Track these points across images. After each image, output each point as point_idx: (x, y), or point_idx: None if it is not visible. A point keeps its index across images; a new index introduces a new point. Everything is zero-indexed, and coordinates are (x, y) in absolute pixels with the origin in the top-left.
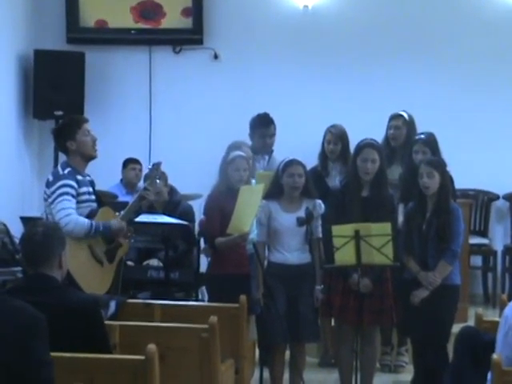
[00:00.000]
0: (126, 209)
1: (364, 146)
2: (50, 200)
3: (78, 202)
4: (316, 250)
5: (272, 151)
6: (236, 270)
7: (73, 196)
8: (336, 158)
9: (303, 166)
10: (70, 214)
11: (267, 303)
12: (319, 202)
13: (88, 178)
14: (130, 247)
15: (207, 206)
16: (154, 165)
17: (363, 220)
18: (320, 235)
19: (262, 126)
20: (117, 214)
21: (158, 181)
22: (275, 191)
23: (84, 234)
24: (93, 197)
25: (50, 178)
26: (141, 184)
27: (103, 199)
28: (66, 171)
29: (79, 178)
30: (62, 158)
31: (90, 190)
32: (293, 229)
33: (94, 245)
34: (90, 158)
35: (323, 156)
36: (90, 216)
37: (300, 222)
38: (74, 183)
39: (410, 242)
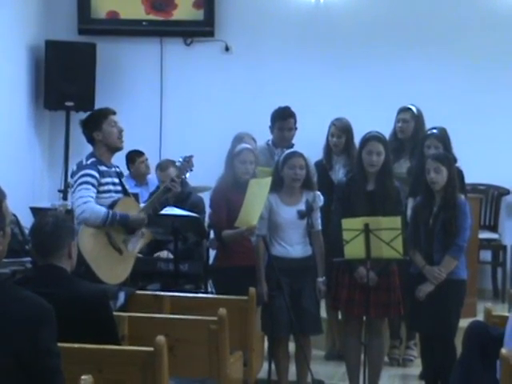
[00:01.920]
0: (150, 200)
1: (369, 138)
2: (72, 189)
3: (99, 192)
4: (316, 242)
5: (292, 145)
6: (242, 262)
7: (93, 185)
8: (340, 151)
9: (304, 158)
10: (87, 202)
11: (273, 295)
12: (318, 193)
13: (116, 169)
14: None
15: (213, 199)
16: (185, 158)
17: (369, 213)
18: (320, 227)
19: (280, 119)
20: (141, 205)
21: (187, 174)
22: (275, 184)
23: (100, 222)
24: (118, 188)
25: (74, 168)
26: (150, 176)
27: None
28: (89, 161)
29: (102, 168)
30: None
31: (116, 180)
32: (294, 222)
33: (112, 232)
34: (115, 148)
35: (327, 149)
36: (111, 205)
37: (301, 214)
38: (95, 173)
39: (417, 236)
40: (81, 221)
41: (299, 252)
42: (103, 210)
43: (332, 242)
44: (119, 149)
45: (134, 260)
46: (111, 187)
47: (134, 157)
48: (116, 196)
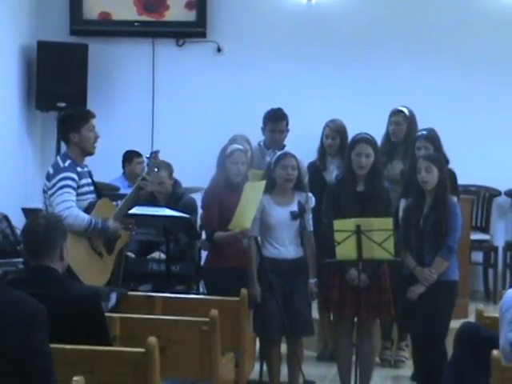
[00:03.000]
0: (124, 200)
1: (358, 140)
2: (50, 192)
3: (78, 195)
4: (308, 243)
5: (284, 146)
6: (234, 264)
7: (73, 189)
8: (334, 152)
9: (296, 159)
10: (71, 207)
11: (266, 296)
12: (310, 195)
13: (86, 168)
14: (130, 239)
15: (205, 200)
16: (151, 153)
17: (359, 214)
18: (311, 228)
19: (272, 121)
20: (114, 203)
21: (156, 170)
22: (267, 185)
23: (83, 230)
24: (92, 188)
25: (51, 171)
26: None
27: (104, 191)
28: (66, 164)
29: (79, 169)
30: (65, 149)
31: (89, 181)
32: (287, 222)
33: (93, 236)
34: (88, 153)
35: (322, 150)
36: (89, 208)
37: (293, 215)
38: (75, 176)
39: (408, 237)
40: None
41: (292, 253)
42: (86, 217)
43: (322, 243)
44: (91, 154)
45: (113, 262)
46: (87, 188)
47: (131, 157)
48: (91, 197)
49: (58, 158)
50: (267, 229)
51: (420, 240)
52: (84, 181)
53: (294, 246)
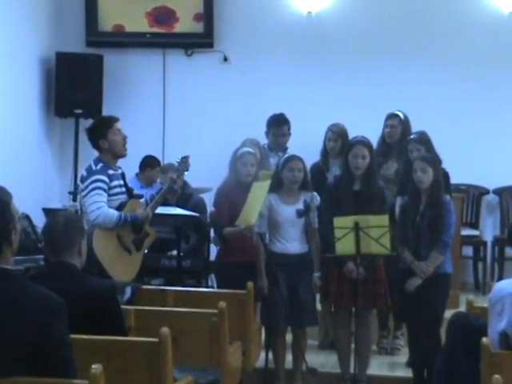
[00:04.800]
0: (154, 200)
1: (355, 143)
2: (83, 193)
3: (109, 195)
4: (313, 239)
5: (286, 149)
6: (243, 258)
7: (104, 190)
8: (336, 154)
9: (303, 162)
10: (101, 207)
11: (271, 289)
12: (315, 194)
13: (119, 170)
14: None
15: (217, 198)
16: (182, 158)
17: (356, 211)
18: (316, 225)
19: (275, 125)
20: (142, 200)
21: (185, 173)
22: (275, 185)
23: (114, 224)
24: (123, 189)
25: (84, 174)
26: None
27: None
28: (98, 167)
29: (111, 172)
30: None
31: (121, 182)
32: (293, 220)
33: (122, 234)
34: (120, 156)
35: (324, 153)
36: (119, 207)
37: (299, 213)
38: (105, 178)
39: (405, 233)
40: (95, 225)
41: (297, 248)
42: (116, 213)
43: (321, 238)
44: (123, 156)
45: (141, 259)
46: (118, 189)
47: (154, 164)
48: (122, 197)
49: (92, 161)
50: (275, 226)
51: (417, 236)
52: (116, 182)
53: (300, 241)
